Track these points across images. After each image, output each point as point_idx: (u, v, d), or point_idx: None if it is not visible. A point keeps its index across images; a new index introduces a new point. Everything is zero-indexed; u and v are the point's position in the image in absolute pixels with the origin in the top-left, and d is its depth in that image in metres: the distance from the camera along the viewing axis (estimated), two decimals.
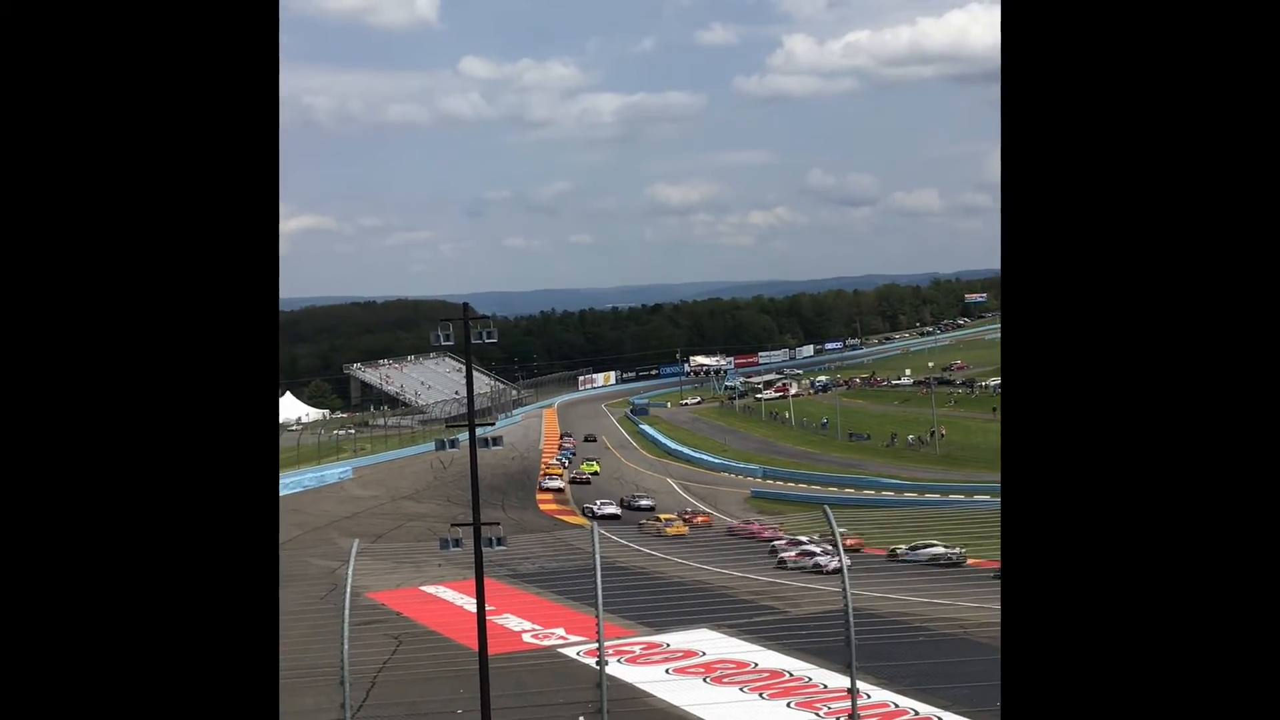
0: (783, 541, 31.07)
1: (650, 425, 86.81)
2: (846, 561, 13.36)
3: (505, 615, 22.43)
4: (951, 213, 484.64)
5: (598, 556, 13.93)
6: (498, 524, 14.08)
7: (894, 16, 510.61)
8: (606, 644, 13.84)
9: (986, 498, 47.23)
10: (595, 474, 61.75)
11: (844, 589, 13.14)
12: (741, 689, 16.44)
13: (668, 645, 19.42)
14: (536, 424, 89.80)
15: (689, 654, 18.66)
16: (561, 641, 20.77)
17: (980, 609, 19.00)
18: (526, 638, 21.43)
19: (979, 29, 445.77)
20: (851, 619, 13.00)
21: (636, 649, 19.31)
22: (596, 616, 13.64)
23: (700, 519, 46.04)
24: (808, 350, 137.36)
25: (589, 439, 78.69)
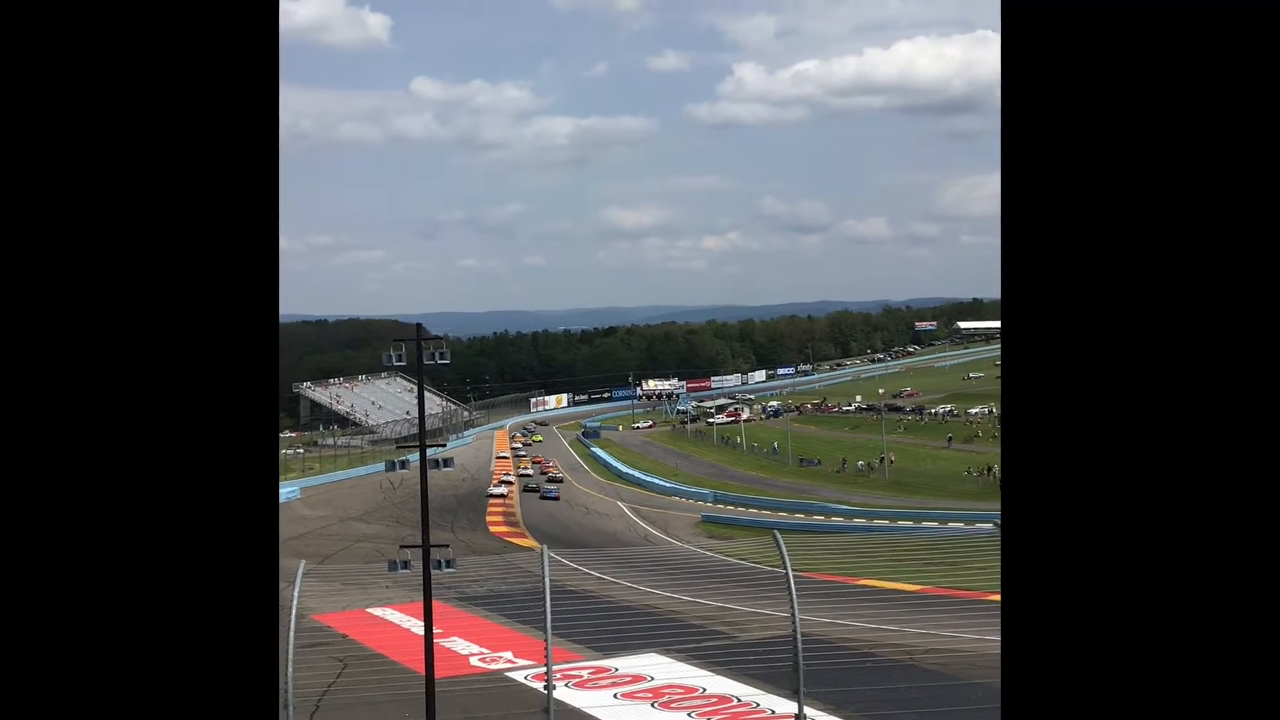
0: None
1: (602, 449, 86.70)
2: (794, 588, 13.39)
3: (453, 638, 22.23)
4: (901, 241, 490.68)
5: (547, 580, 13.87)
6: (447, 546, 13.96)
7: (841, 47, 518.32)
8: (554, 668, 13.76)
9: (934, 524, 47.61)
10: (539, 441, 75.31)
11: (792, 614, 13.17)
12: (689, 714, 16.40)
13: (616, 670, 19.36)
14: (488, 445, 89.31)
15: (637, 679, 18.60)
16: (509, 665, 20.62)
17: (928, 635, 19.11)
18: (474, 661, 21.25)
19: (925, 61, 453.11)
20: (800, 644, 13.02)
21: (584, 673, 19.23)
22: (545, 640, 13.56)
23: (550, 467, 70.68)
24: (760, 375, 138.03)
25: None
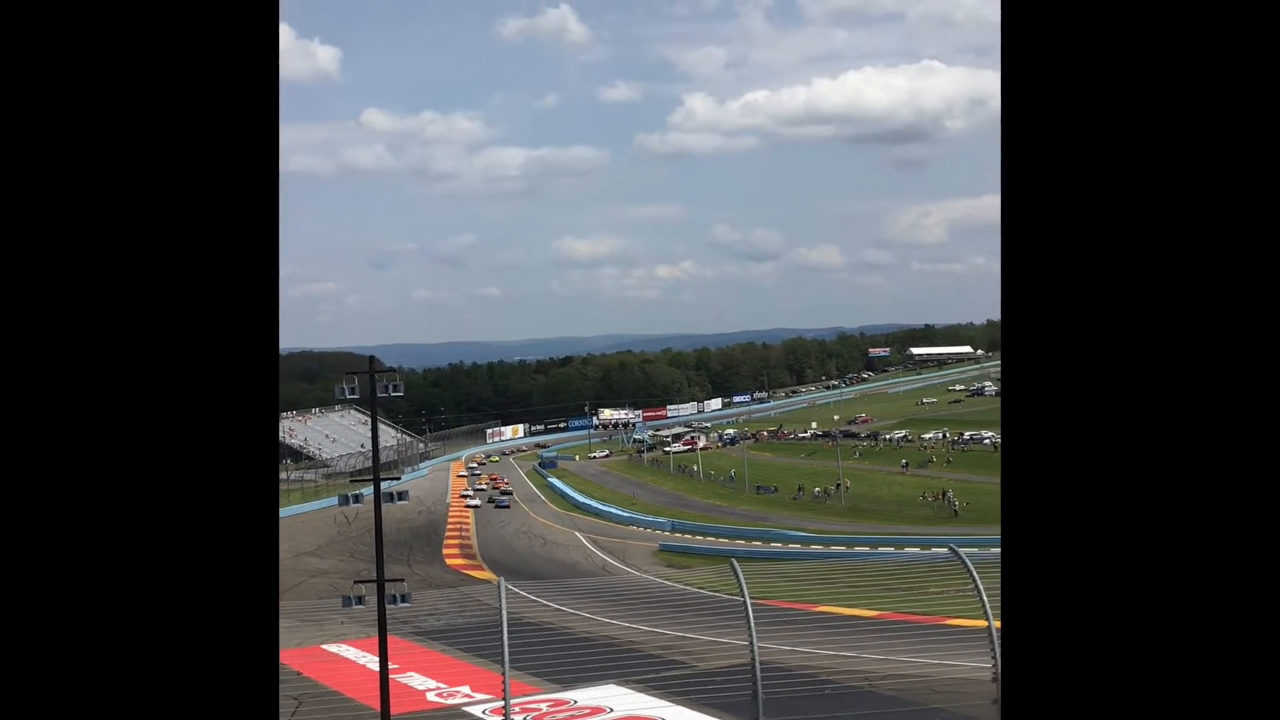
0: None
1: (559, 478, 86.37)
2: (753, 616, 13.37)
3: (409, 674, 21.96)
4: (853, 269, 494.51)
5: (504, 612, 13.76)
6: (402, 580, 13.83)
7: (790, 77, 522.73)
8: (512, 702, 13.64)
9: (890, 549, 47.82)
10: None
11: (751, 643, 13.15)
12: None
13: (575, 702, 19.21)
14: (444, 477, 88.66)
15: (596, 710, 18.47)
16: (467, 700, 20.41)
17: (886, 661, 19.14)
18: (430, 696, 21.00)
19: (873, 91, 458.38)
20: (758, 673, 13.00)
21: (543, 706, 19.07)
22: (503, 673, 13.43)
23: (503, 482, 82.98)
24: (716, 403, 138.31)
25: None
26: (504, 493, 79.60)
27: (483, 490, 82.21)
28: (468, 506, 73.74)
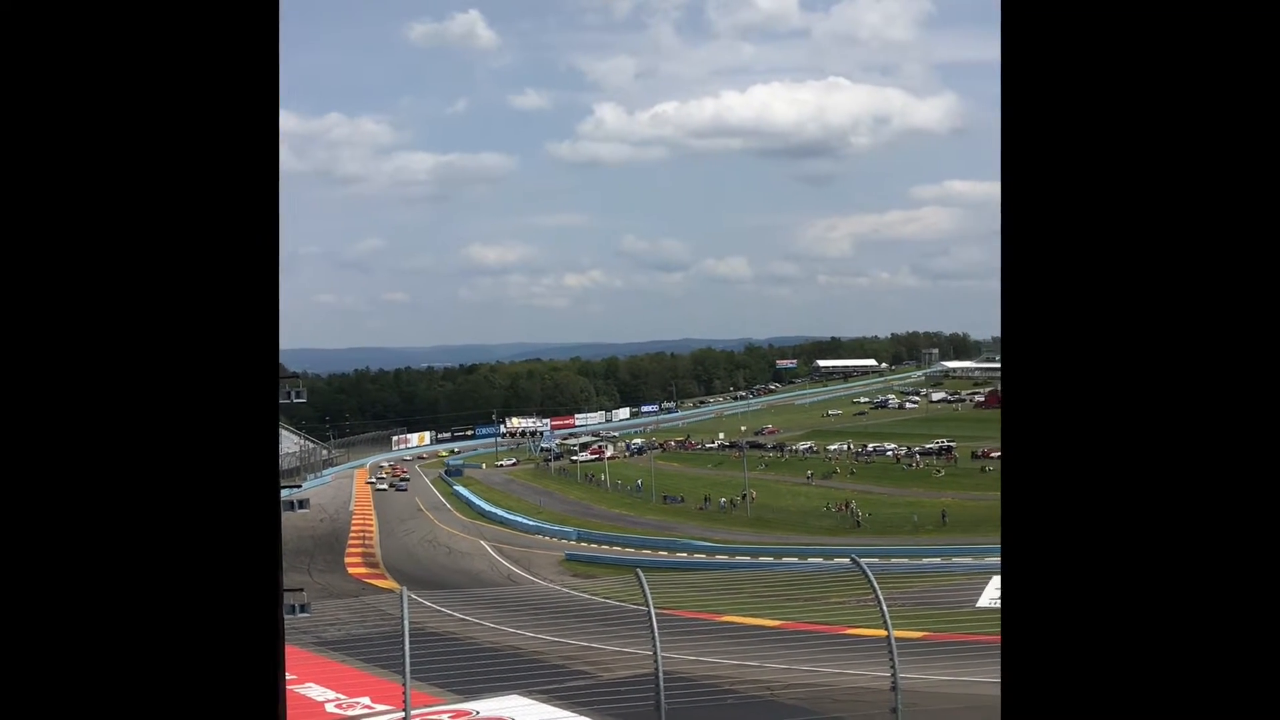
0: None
1: (465, 486, 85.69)
2: (657, 626, 13.40)
3: (308, 685, 21.57)
4: (761, 280, 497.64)
5: (406, 621, 13.59)
6: (301, 590, 13.58)
7: (699, 89, 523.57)
8: (413, 713, 13.47)
9: (794, 560, 48.34)
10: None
11: (655, 653, 13.18)
12: None
13: (477, 713, 19.05)
14: (348, 484, 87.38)
15: None
16: (366, 711, 20.11)
17: (788, 670, 19.36)
18: (329, 708, 20.65)
19: (781, 105, 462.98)
20: (662, 682, 13.04)
21: (445, 717, 18.87)
22: (403, 684, 13.26)
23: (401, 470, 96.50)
24: (624, 413, 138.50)
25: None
26: (403, 479, 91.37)
27: (385, 478, 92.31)
28: (376, 490, 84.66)
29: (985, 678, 17.38)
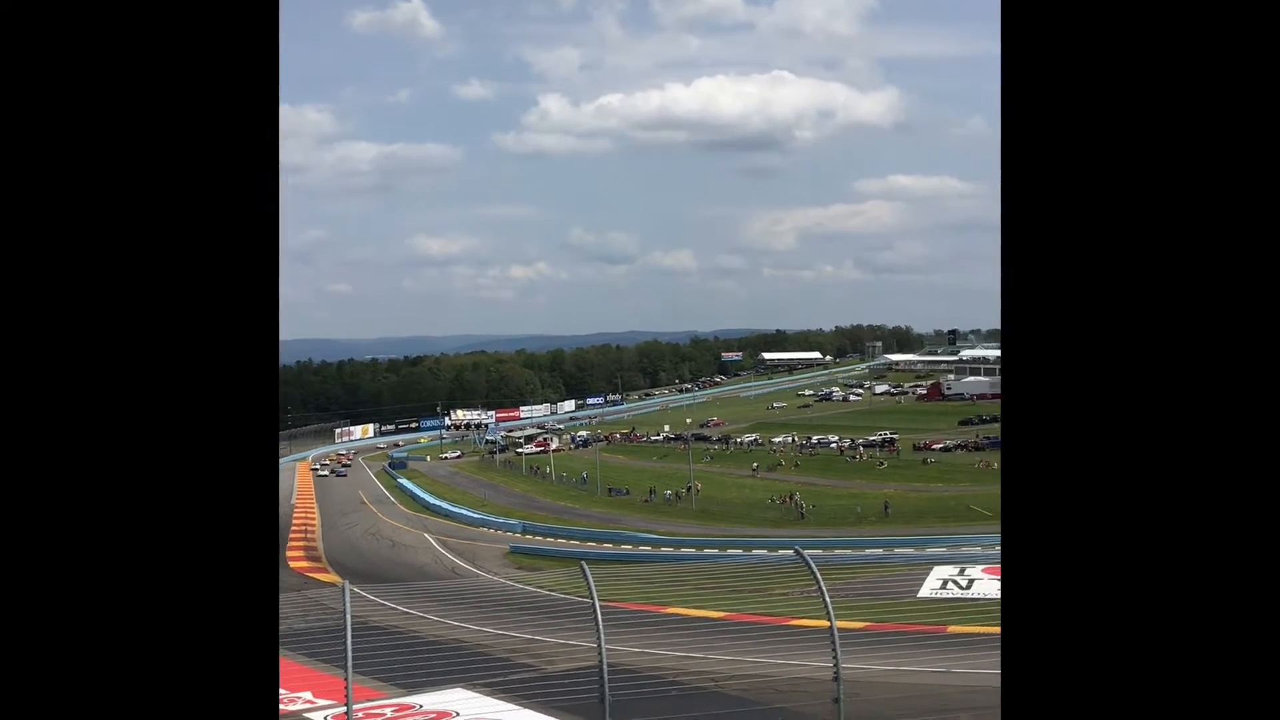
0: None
1: (409, 479, 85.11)
2: (601, 618, 13.40)
3: None
4: (706, 273, 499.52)
5: (348, 615, 13.47)
6: None
7: (645, 82, 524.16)
8: (355, 708, 13.36)
9: (738, 552, 48.58)
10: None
11: (599, 645, 13.18)
12: None
13: (420, 706, 18.93)
14: (289, 478, 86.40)
15: (442, 715, 18.24)
16: (308, 706, 19.90)
17: (732, 661, 19.43)
18: None
19: (725, 98, 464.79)
20: (606, 675, 13.04)
21: (388, 711, 18.74)
22: (345, 679, 13.15)
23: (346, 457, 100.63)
24: (569, 405, 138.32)
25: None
26: (344, 465, 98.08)
27: (327, 465, 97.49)
28: (318, 477, 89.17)
29: (926, 667, 17.59)
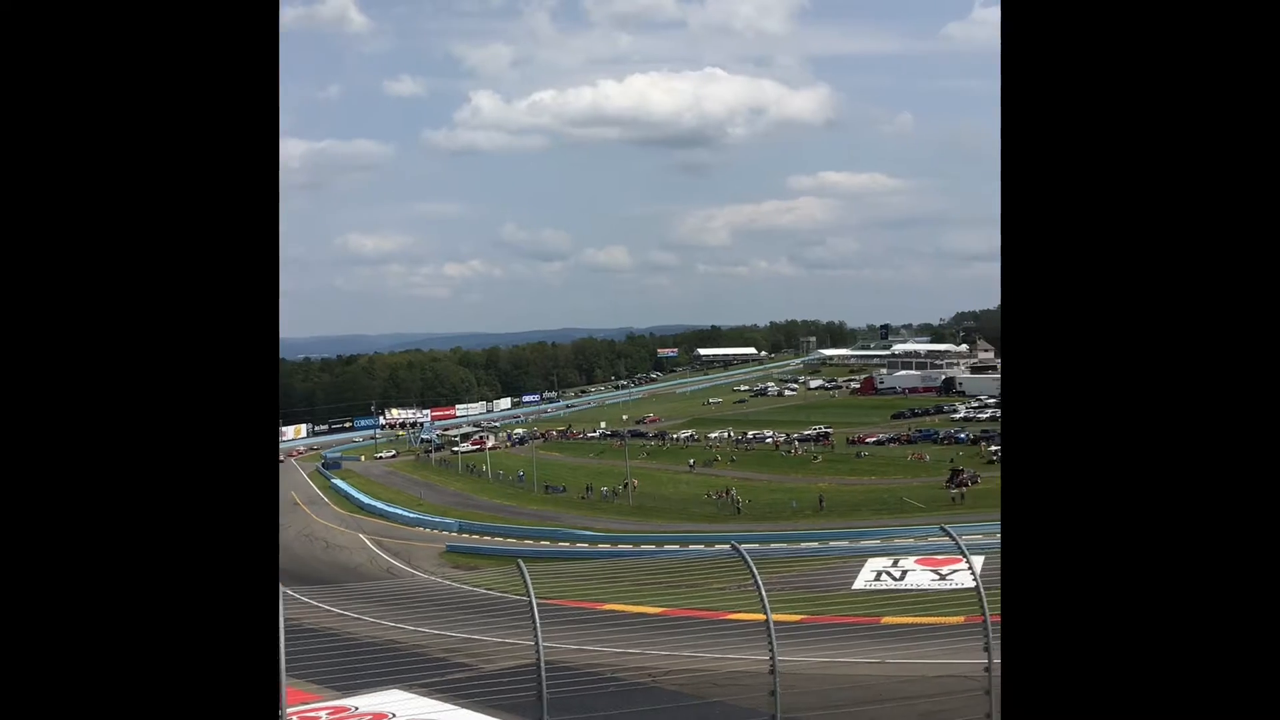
0: None
1: (343, 480, 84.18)
2: (538, 616, 13.36)
3: None
4: (640, 270, 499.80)
5: (281, 618, 13.28)
6: None
7: (576, 78, 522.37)
8: (289, 711, 13.19)
9: (676, 547, 48.74)
10: None
11: (536, 643, 13.15)
12: None
13: (356, 709, 18.74)
14: None
15: (378, 717, 18.07)
16: None
17: (670, 656, 19.48)
18: None
19: (658, 95, 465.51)
20: (543, 672, 13.01)
21: (323, 714, 18.51)
22: (279, 682, 12.97)
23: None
24: (505, 403, 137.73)
25: None
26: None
27: None
28: None
29: (862, 658, 17.78)
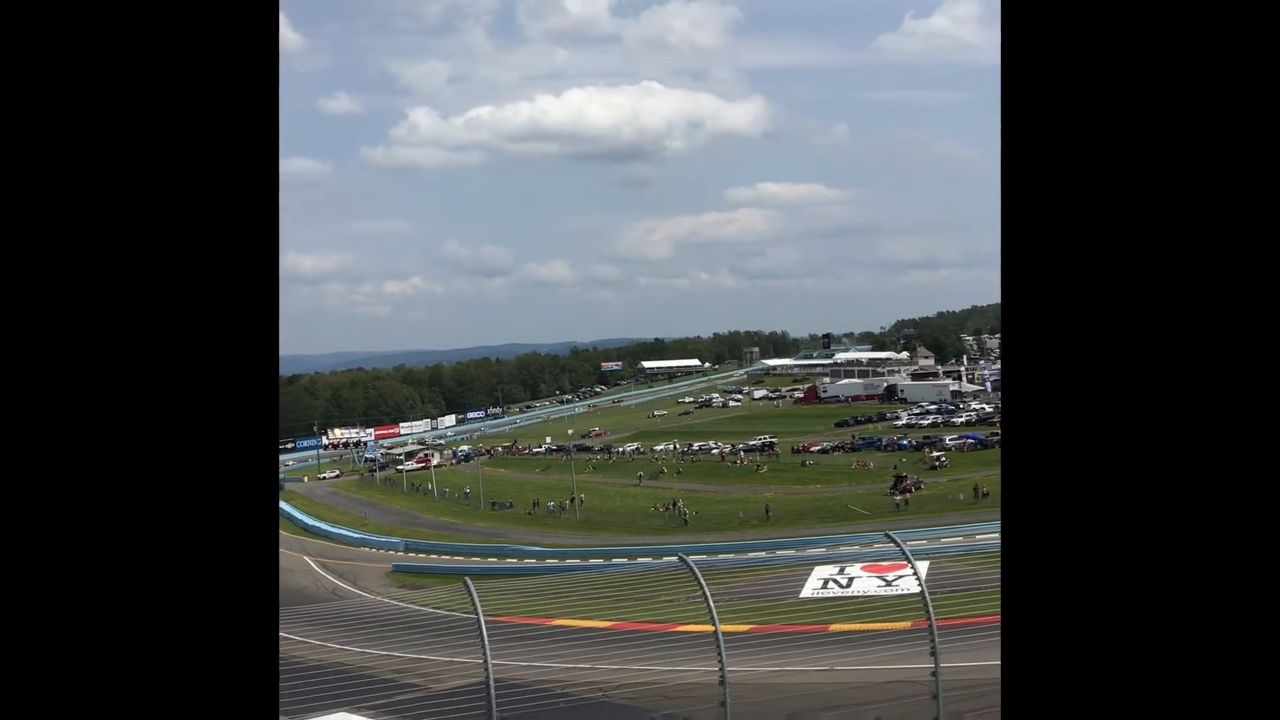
0: None
1: (286, 502, 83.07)
2: (486, 633, 13.26)
3: None
4: (583, 284, 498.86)
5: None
6: None
7: (514, 94, 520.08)
8: None
9: (623, 561, 48.67)
10: None
11: (485, 661, 13.05)
12: None
13: None
14: None
15: None
16: None
17: (620, 670, 19.44)
18: None
19: (595, 109, 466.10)
20: (493, 690, 12.91)
21: None
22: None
23: None
24: (450, 420, 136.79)
25: None
26: None
27: None
28: None
29: (810, 666, 17.87)
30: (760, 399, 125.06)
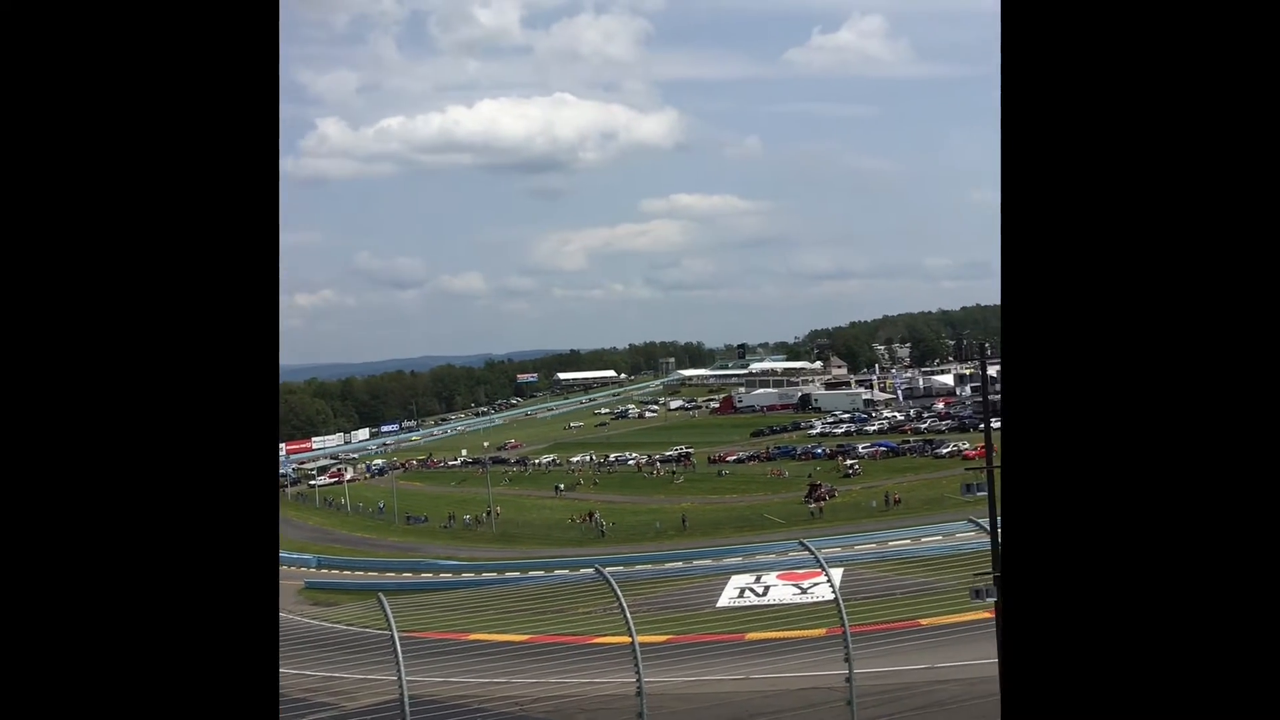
0: None
1: None
2: (400, 650, 13.10)
3: None
4: (497, 295, 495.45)
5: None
6: None
7: (425, 104, 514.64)
8: None
9: (540, 573, 48.46)
10: None
11: (399, 678, 12.89)
12: None
13: None
14: None
15: None
16: None
17: (536, 684, 19.33)
18: None
19: (508, 120, 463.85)
20: (408, 707, 12.75)
21: None
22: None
23: None
24: (363, 434, 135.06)
25: None
26: None
27: None
28: None
29: (726, 674, 17.96)
30: (676, 409, 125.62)
